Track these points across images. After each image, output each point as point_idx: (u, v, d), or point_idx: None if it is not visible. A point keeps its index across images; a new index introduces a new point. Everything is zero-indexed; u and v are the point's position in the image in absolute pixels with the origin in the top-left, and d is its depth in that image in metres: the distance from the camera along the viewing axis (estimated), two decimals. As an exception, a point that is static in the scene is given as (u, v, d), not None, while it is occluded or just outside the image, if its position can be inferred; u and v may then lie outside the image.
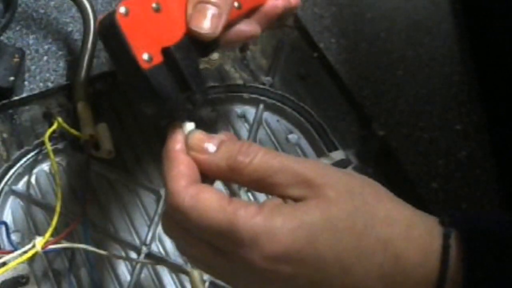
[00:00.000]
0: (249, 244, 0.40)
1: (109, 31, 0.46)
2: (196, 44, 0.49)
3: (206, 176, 0.45)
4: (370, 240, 0.41)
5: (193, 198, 0.42)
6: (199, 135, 0.45)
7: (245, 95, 0.72)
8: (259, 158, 0.43)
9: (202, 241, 0.43)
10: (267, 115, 0.71)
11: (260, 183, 0.43)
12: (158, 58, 0.47)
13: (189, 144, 0.45)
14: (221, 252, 0.42)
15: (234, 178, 0.43)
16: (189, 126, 0.46)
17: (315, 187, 0.41)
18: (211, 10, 0.49)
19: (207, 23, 0.49)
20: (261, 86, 0.72)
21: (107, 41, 0.48)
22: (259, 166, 0.42)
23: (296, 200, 0.42)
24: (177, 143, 0.45)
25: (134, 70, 0.46)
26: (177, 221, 0.43)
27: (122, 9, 0.46)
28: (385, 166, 0.68)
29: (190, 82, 0.47)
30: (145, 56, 0.46)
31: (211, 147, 0.44)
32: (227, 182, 0.49)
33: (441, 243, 0.41)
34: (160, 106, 0.46)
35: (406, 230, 0.41)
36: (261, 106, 0.71)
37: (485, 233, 0.42)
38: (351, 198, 0.41)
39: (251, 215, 0.40)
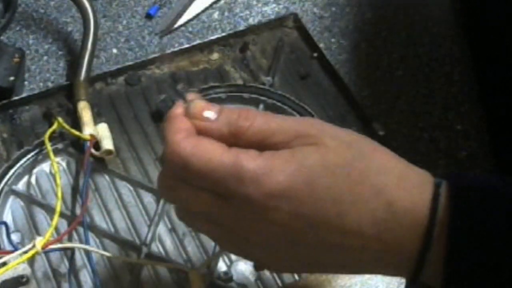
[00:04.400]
0: (250, 183, 0.42)
1: None
2: None
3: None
4: (365, 188, 0.42)
5: (193, 146, 0.43)
6: (200, 103, 0.46)
7: (245, 95, 0.72)
8: (258, 120, 0.44)
9: (202, 190, 0.44)
10: (267, 115, 0.71)
11: (261, 144, 0.44)
12: None
13: (191, 113, 0.45)
14: (221, 197, 0.43)
15: (236, 142, 0.44)
16: (191, 96, 0.47)
17: (315, 136, 0.43)
18: None
19: None
20: (261, 86, 0.72)
21: None
22: (259, 128, 0.44)
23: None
24: (178, 108, 0.46)
25: None
26: (176, 174, 0.44)
27: None
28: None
29: None
30: None
31: (212, 114, 0.45)
32: None
33: (432, 192, 0.43)
34: None
35: (399, 179, 0.43)
36: (261, 106, 0.71)
37: (473, 184, 0.44)
38: (348, 148, 0.43)
39: (253, 157, 0.42)
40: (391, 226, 0.42)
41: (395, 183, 0.43)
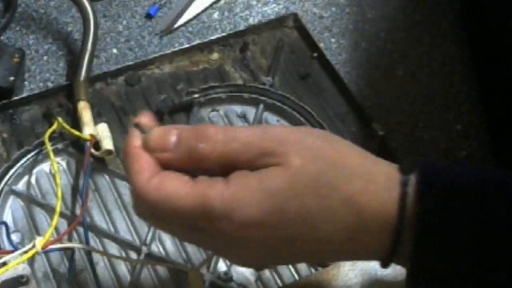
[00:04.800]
0: (222, 219, 0.42)
1: None
2: None
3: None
4: (333, 200, 0.43)
5: (157, 190, 0.43)
6: (156, 132, 0.45)
7: (245, 95, 0.72)
8: (219, 144, 0.44)
9: (176, 224, 0.45)
10: (267, 115, 0.71)
11: (226, 167, 0.44)
12: None
13: (149, 147, 0.45)
14: (197, 229, 0.44)
15: (201, 168, 0.44)
16: (142, 119, 0.46)
17: (280, 155, 0.43)
18: None
19: None
20: (261, 86, 0.72)
21: None
22: (221, 152, 0.44)
23: (263, 167, 0.43)
24: (135, 140, 0.45)
25: None
26: (148, 213, 0.45)
27: None
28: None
29: None
30: None
31: (171, 141, 0.44)
32: None
33: (399, 192, 0.43)
34: None
35: (366, 184, 0.43)
36: (261, 106, 0.71)
37: (441, 178, 0.44)
38: (314, 163, 0.43)
39: (219, 192, 0.42)
40: (363, 229, 0.43)
41: (363, 189, 0.43)
